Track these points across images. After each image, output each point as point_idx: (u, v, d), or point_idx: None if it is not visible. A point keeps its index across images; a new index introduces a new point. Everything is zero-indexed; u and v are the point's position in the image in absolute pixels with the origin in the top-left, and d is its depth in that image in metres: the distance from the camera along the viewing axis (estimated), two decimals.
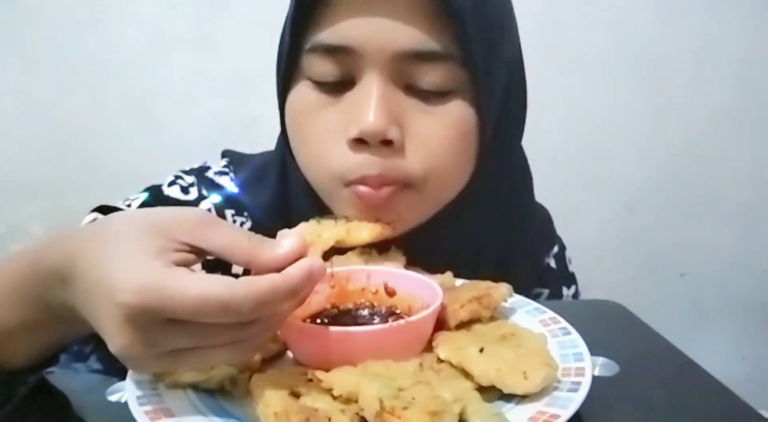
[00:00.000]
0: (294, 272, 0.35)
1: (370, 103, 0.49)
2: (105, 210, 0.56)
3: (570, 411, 0.35)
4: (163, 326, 0.33)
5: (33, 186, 1.36)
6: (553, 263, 0.73)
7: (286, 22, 0.55)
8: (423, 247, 0.56)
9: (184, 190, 0.64)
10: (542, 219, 0.76)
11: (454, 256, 0.56)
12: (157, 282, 0.32)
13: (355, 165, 0.50)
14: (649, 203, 1.56)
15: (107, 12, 1.32)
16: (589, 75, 1.47)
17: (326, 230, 0.52)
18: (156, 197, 0.62)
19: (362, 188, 0.51)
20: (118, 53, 1.34)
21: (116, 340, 0.33)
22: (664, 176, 1.55)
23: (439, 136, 0.51)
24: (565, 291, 0.73)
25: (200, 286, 0.32)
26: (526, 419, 0.34)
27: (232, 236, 0.37)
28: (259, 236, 0.37)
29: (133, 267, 0.33)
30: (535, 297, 0.69)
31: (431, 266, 0.53)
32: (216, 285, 0.32)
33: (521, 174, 0.66)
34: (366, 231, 0.52)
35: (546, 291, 0.71)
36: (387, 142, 0.50)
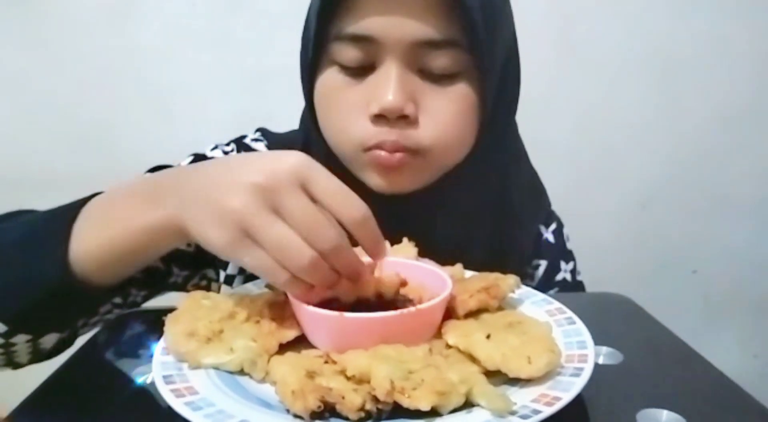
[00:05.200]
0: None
1: (389, 84, 0.57)
2: (161, 168, 0.63)
3: (571, 394, 0.35)
4: (289, 199, 0.40)
5: (56, 178, 1.39)
6: (551, 238, 0.77)
7: (309, 14, 0.62)
8: (425, 210, 0.64)
9: (225, 154, 0.72)
10: (537, 190, 0.80)
11: (454, 222, 0.64)
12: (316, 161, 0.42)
13: (374, 133, 0.58)
14: (662, 200, 1.56)
15: (127, 10, 1.35)
16: (602, 73, 1.47)
17: None
18: (199, 160, 0.68)
19: (379, 152, 0.58)
20: (137, 50, 1.37)
21: (242, 193, 0.40)
22: (677, 174, 1.55)
23: (447, 111, 0.59)
24: (563, 265, 0.76)
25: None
26: (529, 401, 0.35)
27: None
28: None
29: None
30: (534, 269, 0.75)
31: (431, 231, 0.62)
32: None
33: (515, 143, 0.74)
34: None
35: (544, 263, 0.75)
36: (403, 117, 0.57)
